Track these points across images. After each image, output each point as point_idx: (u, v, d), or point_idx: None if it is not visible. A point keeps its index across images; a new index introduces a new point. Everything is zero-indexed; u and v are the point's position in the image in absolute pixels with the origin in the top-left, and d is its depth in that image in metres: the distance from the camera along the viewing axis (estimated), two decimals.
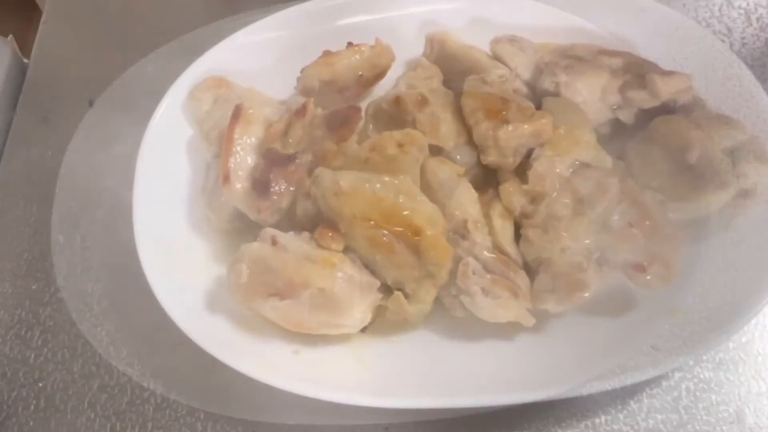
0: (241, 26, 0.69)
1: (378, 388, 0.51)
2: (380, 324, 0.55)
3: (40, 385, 0.58)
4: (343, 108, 0.58)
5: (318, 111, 0.58)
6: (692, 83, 0.58)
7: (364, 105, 0.62)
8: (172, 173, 0.62)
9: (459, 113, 0.59)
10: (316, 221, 0.54)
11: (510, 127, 0.55)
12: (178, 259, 0.57)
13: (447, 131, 0.58)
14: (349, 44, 0.65)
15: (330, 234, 0.52)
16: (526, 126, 0.55)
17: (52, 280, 0.63)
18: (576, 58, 0.61)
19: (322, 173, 0.54)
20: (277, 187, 0.55)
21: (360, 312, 0.52)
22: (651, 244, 0.51)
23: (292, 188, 0.56)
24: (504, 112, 0.56)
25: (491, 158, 0.56)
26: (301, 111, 0.58)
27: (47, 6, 0.83)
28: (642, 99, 0.58)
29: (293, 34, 0.69)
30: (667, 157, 0.55)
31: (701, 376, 0.55)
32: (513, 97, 0.58)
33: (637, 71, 0.60)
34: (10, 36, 0.80)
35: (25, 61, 0.79)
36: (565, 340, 0.53)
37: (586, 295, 0.51)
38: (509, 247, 0.55)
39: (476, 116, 0.57)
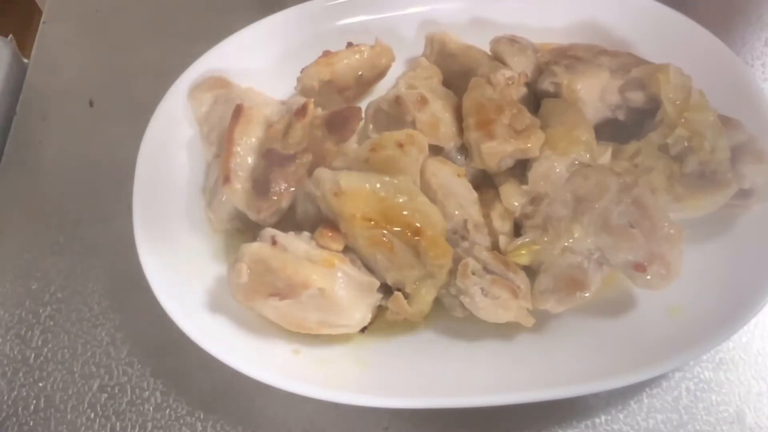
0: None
1: (378, 388, 0.51)
2: (380, 324, 0.55)
3: (40, 385, 0.58)
4: (343, 108, 0.58)
5: (318, 111, 0.58)
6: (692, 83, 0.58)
7: (364, 105, 0.62)
8: (172, 173, 0.62)
9: (459, 113, 0.59)
10: (316, 221, 0.55)
11: (494, 143, 0.55)
12: (178, 259, 0.57)
13: (447, 131, 0.58)
14: (349, 44, 0.65)
15: (330, 234, 0.52)
16: (508, 145, 0.55)
17: (52, 280, 0.63)
18: (576, 58, 0.61)
19: (322, 173, 0.54)
20: (277, 187, 0.55)
21: (360, 312, 0.52)
22: (651, 244, 0.51)
23: (292, 188, 0.56)
24: (492, 126, 0.55)
25: (476, 164, 0.57)
26: (301, 111, 0.58)
27: (47, 6, 0.83)
28: (641, 99, 0.58)
29: (293, 34, 0.69)
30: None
31: (701, 376, 0.55)
32: (511, 105, 0.57)
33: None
34: (10, 36, 0.80)
35: (25, 61, 0.79)
36: (565, 340, 0.53)
37: (586, 295, 0.51)
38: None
39: (468, 121, 0.57)
